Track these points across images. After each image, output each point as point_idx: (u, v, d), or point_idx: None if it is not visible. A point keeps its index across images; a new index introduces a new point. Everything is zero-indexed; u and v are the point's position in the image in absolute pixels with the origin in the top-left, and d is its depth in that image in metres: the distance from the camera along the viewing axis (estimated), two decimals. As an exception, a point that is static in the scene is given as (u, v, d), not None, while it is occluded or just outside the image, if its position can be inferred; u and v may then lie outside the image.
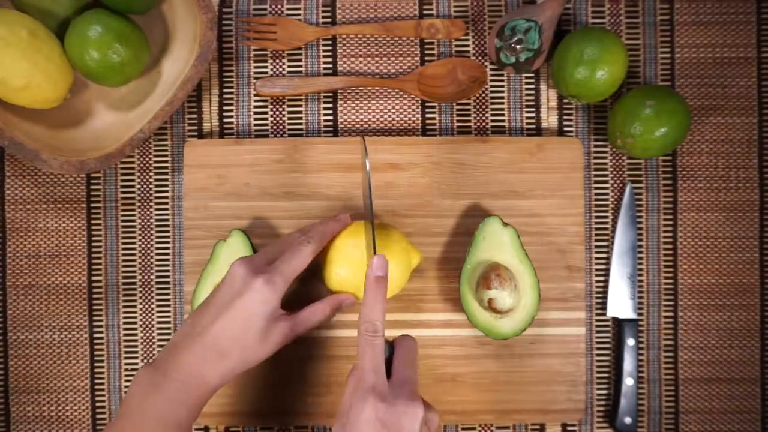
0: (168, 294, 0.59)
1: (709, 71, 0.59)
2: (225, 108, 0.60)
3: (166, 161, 0.60)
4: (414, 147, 0.57)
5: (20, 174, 0.60)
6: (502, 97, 0.60)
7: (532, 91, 0.60)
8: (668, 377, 0.59)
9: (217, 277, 0.54)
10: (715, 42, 0.59)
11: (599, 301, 0.59)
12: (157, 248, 0.59)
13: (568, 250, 0.57)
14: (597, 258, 0.59)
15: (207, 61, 0.54)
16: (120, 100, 0.57)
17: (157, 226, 0.59)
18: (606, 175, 0.59)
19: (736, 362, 0.59)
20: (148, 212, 0.59)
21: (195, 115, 0.60)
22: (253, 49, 0.60)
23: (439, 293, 0.57)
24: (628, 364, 0.57)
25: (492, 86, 0.60)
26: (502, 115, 0.60)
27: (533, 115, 0.60)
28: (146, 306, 0.59)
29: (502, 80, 0.60)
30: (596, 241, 0.59)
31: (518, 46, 0.55)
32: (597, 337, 0.59)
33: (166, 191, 0.60)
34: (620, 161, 0.59)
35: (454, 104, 0.60)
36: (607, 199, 0.59)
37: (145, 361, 0.59)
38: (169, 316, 0.59)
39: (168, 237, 0.59)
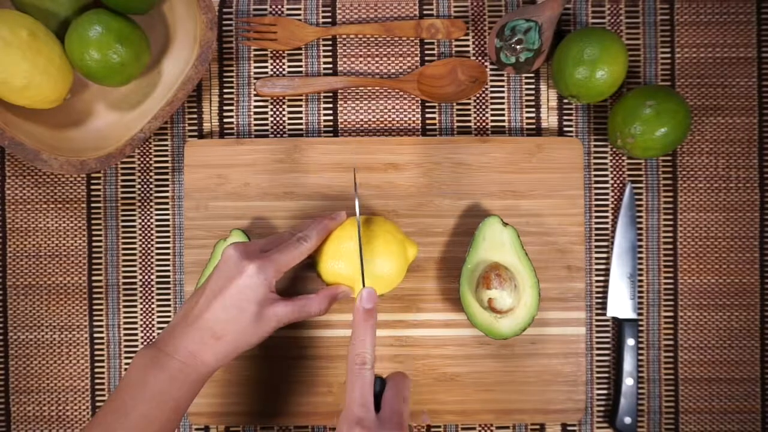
0: (168, 294, 0.59)
1: (710, 71, 0.59)
2: (225, 108, 0.60)
3: (167, 161, 0.60)
4: (414, 147, 0.57)
5: (21, 174, 0.60)
6: (502, 97, 0.60)
7: (532, 91, 0.60)
8: (668, 377, 0.59)
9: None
10: (715, 42, 0.59)
11: (599, 301, 0.59)
12: (158, 248, 0.59)
13: (568, 250, 0.57)
14: (597, 258, 0.59)
15: (207, 61, 0.54)
16: (120, 100, 0.57)
17: (157, 226, 0.59)
18: (606, 175, 0.59)
19: (736, 362, 0.59)
20: (148, 212, 0.59)
21: (195, 115, 0.60)
22: (254, 49, 0.60)
23: (439, 293, 0.57)
24: (628, 364, 0.57)
25: (492, 86, 0.60)
26: (502, 115, 0.60)
27: (533, 115, 0.60)
28: (146, 306, 0.59)
29: (502, 80, 0.60)
30: (596, 241, 0.59)
31: (518, 46, 0.55)
32: (597, 337, 0.59)
33: (167, 191, 0.60)
34: (620, 161, 0.59)
35: (454, 104, 0.60)
36: (607, 199, 0.59)
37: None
38: (169, 316, 0.59)
39: (168, 237, 0.59)
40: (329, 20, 0.60)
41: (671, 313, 0.59)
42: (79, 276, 0.59)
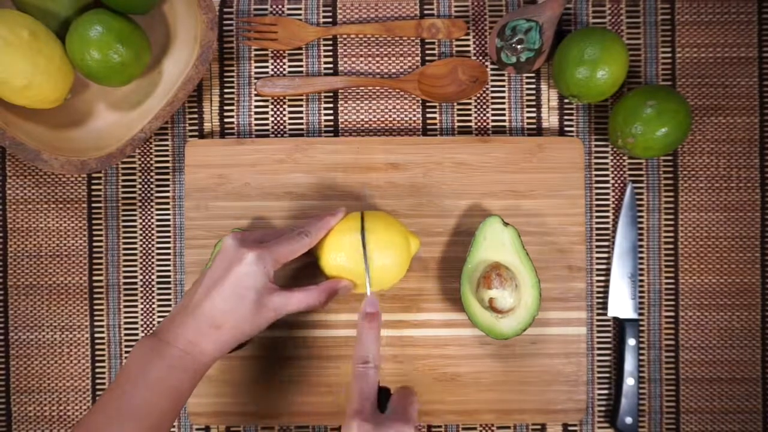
0: (169, 294, 0.59)
1: (710, 71, 0.59)
2: (226, 108, 0.60)
3: (167, 161, 0.60)
4: (415, 147, 0.57)
5: (21, 174, 0.60)
6: (503, 97, 0.60)
7: (533, 91, 0.60)
8: (669, 377, 0.59)
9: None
10: (716, 42, 0.59)
11: (600, 300, 0.59)
12: (158, 248, 0.59)
13: (569, 250, 0.57)
14: (598, 258, 0.59)
15: (208, 61, 0.54)
16: (121, 100, 0.57)
17: (158, 226, 0.59)
18: (607, 175, 0.59)
19: (737, 362, 0.59)
20: (149, 212, 0.59)
21: (196, 115, 0.60)
22: (254, 49, 0.60)
23: (440, 293, 0.57)
24: (629, 364, 0.57)
25: (493, 86, 0.60)
26: (503, 114, 0.60)
27: (534, 114, 0.60)
28: (147, 306, 0.59)
29: (503, 80, 0.60)
30: (597, 240, 0.59)
31: (519, 46, 0.55)
32: (598, 337, 0.59)
33: (167, 191, 0.60)
34: (621, 161, 0.59)
35: (455, 104, 0.60)
36: (607, 199, 0.59)
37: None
38: (170, 316, 0.59)
39: (169, 237, 0.59)
40: (330, 20, 0.60)
41: (672, 313, 0.59)
42: (80, 276, 0.59)
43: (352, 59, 0.60)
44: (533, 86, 0.60)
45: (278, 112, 0.60)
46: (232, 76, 0.60)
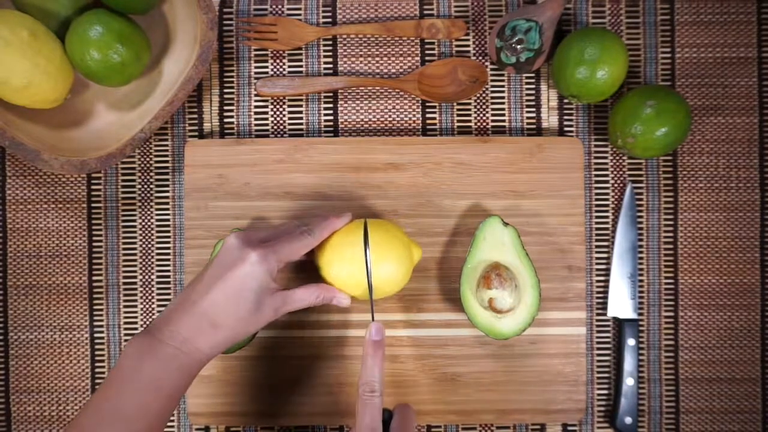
0: (169, 294, 0.59)
1: (710, 71, 0.59)
2: (225, 108, 0.60)
3: (167, 161, 0.60)
4: (414, 147, 0.57)
5: (21, 174, 0.60)
6: (503, 97, 0.60)
7: (533, 91, 0.60)
8: (669, 377, 0.59)
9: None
10: (715, 42, 0.59)
11: (600, 301, 0.59)
12: (158, 248, 0.59)
13: (569, 250, 0.57)
14: (597, 258, 0.59)
15: (208, 61, 0.54)
16: (121, 100, 0.57)
17: (157, 226, 0.59)
18: (606, 175, 0.59)
19: (737, 362, 0.59)
20: (148, 212, 0.59)
21: (195, 115, 0.60)
22: (254, 49, 0.60)
23: (440, 293, 0.57)
24: (629, 364, 0.57)
25: (492, 86, 0.60)
26: (503, 115, 0.60)
27: (534, 115, 0.60)
28: (147, 306, 0.59)
29: (503, 80, 0.60)
30: (597, 241, 0.59)
31: (519, 46, 0.55)
32: (597, 337, 0.59)
33: (167, 191, 0.60)
34: (621, 161, 0.59)
35: (455, 104, 0.60)
36: (607, 199, 0.59)
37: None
38: (169, 316, 0.59)
39: (169, 237, 0.59)
40: (329, 20, 0.60)
41: (672, 313, 0.59)
42: (80, 276, 0.59)
43: (352, 59, 0.60)
44: (533, 86, 0.60)
45: (278, 112, 0.60)
46: (232, 76, 0.60)
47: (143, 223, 0.59)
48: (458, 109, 0.60)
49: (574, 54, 0.54)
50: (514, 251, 0.53)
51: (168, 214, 0.59)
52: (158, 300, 0.59)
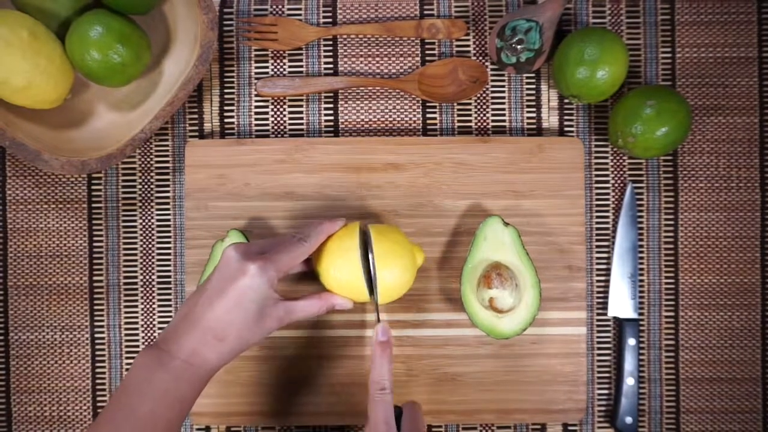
0: (169, 294, 0.59)
1: (710, 71, 0.59)
2: (226, 108, 0.60)
3: (167, 161, 0.60)
4: (415, 147, 0.57)
5: (21, 174, 0.60)
6: (503, 97, 0.60)
7: (533, 91, 0.60)
8: (669, 377, 0.59)
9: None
10: (716, 42, 0.59)
11: (600, 300, 0.59)
12: (159, 248, 0.59)
13: (569, 250, 0.57)
14: (598, 258, 0.59)
15: (208, 61, 0.54)
16: (121, 101, 0.57)
17: (158, 226, 0.59)
18: (607, 175, 0.59)
19: (737, 362, 0.59)
20: (149, 212, 0.59)
21: (196, 116, 0.60)
22: (254, 49, 0.60)
23: (440, 293, 0.57)
24: (629, 363, 0.57)
25: (493, 86, 0.60)
26: (503, 115, 0.60)
27: (534, 115, 0.60)
28: (147, 306, 0.59)
29: (503, 80, 0.60)
30: (597, 240, 0.59)
31: (519, 46, 0.55)
32: (598, 337, 0.59)
33: (167, 191, 0.60)
34: (621, 161, 0.59)
35: (455, 104, 0.60)
36: (607, 199, 0.59)
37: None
38: (170, 316, 0.59)
39: (169, 237, 0.59)
40: (330, 20, 0.60)
41: (672, 313, 0.59)
42: (80, 276, 0.59)
43: (352, 59, 0.60)
44: (533, 86, 0.60)
45: (278, 113, 0.60)
46: (232, 77, 0.60)
47: (144, 224, 0.59)
48: (458, 109, 0.60)
49: (574, 54, 0.54)
50: (514, 251, 0.53)
51: (168, 215, 0.59)
52: (159, 300, 0.59)
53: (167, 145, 0.60)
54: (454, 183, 0.57)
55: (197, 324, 0.45)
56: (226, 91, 0.60)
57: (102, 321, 0.59)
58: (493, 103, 0.60)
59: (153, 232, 0.59)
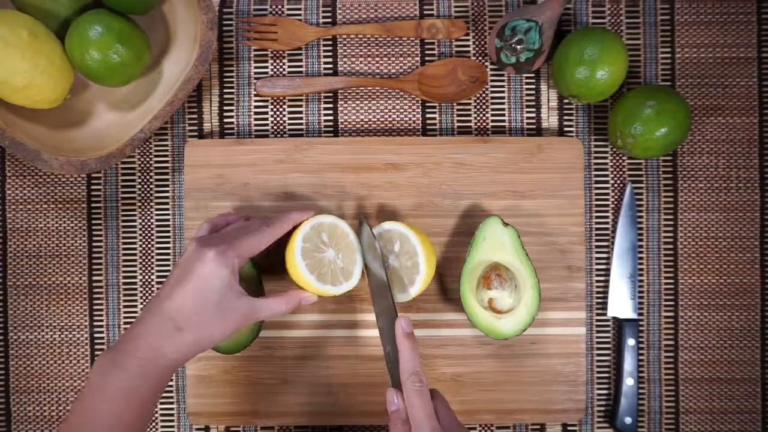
0: (168, 294, 0.59)
1: (710, 71, 0.59)
2: (225, 108, 0.60)
3: (167, 161, 0.60)
4: (414, 147, 0.57)
5: (21, 174, 0.60)
6: (503, 97, 0.60)
7: (533, 91, 0.60)
8: (668, 377, 0.59)
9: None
10: (715, 42, 0.59)
11: (599, 301, 0.59)
12: (158, 248, 0.59)
13: (569, 250, 0.57)
14: (597, 258, 0.59)
15: (207, 61, 0.54)
16: (121, 101, 0.57)
17: (157, 226, 0.59)
18: (606, 175, 0.59)
19: (737, 362, 0.59)
20: (148, 212, 0.59)
21: (195, 116, 0.60)
22: (254, 49, 0.60)
23: (440, 293, 0.57)
24: (629, 364, 0.57)
25: (492, 86, 0.60)
26: (503, 115, 0.60)
27: (533, 115, 0.60)
28: (147, 306, 0.59)
29: (503, 80, 0.60)
30: (596, 241, 0.59)
31: (519, 46, 0.55)
32: (597, 337, 0.59)
33: (167, 191, 0.60)
34: (620, 161, 0.59)
35: (455, 104, 0.60)
36: (607, 199, 0.59)
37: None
38: (169, 316, 0.59)
39: (168, 237, 0.59)
40: (329, 20, 0.60)
41: (671, 313, 0.59)
42: (80, 276, 0.59)
43: (352, 59, 0.60)
44: (533, 86, 0.60)
45: (278, 113, 0.60)
46: (232, 77, 0.60)
47: (143, 223, 0.59)
48: (458, 109, 0.60)
49: (574, 54, 0.54)
50: (514, 251, 0.53)
51: (168, 214, 0.59)
52: (158, 300, 0.59)
53: (167, 145, 0.60)
54: (453, 183, 0.57)
55: (156, 313, 0.45)
56: (225, 91, 0.60)
57: (101, 321, 0.59)
58: (492, 103, 0.60)
59: (152, 232, 0.59)
